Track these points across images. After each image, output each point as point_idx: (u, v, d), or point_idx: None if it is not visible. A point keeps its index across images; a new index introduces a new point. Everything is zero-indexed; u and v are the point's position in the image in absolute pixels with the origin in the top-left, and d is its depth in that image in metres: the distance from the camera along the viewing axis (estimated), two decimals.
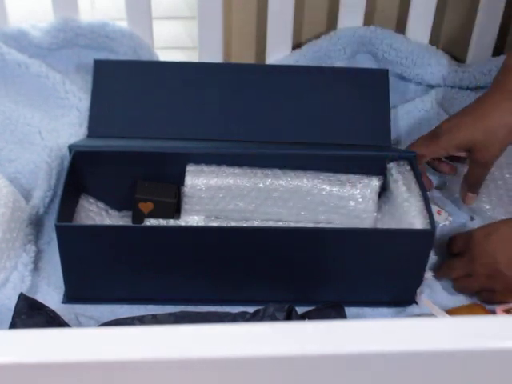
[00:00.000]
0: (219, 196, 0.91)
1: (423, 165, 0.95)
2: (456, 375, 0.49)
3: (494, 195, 0.98)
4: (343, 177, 0.92)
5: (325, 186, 0.91)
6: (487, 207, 0.98)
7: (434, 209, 0.96)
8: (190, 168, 0.91)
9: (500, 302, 0.86)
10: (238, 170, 0.92)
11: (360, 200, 0.91)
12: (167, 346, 0.47)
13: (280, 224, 0.93)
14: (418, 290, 0.87)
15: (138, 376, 0.48)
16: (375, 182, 0.92)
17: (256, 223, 0.93)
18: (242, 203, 0.92)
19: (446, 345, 0.47)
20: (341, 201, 0.92)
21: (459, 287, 0.89)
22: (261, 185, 0.91)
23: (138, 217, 0.91)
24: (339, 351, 0.47)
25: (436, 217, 0.94)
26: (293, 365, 0.48)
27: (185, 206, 0.92)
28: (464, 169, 0.96)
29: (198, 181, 0.91)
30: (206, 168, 0.91)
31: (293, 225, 0.93)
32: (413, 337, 0.47)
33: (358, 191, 0.91)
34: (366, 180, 0.92)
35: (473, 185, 0.93)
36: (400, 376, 0.49)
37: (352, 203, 0.92)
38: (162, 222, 0.91)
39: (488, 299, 0.87)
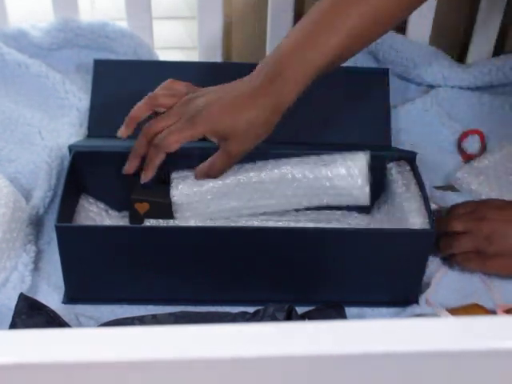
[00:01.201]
0: (207, 198, 0.90)
1: None
2: (456, 376, 0.49)
3: (506, 189, 0.98)
4: (328, 158, 0.90)
5: (309, 171, 0.89)
6: None
7: (433, 207, 0.96)
8: (175, 175, 0.90)
9: (475, 266, 0.89)
10: None
11: (348, 178, 0.89)
12: (168, 346, 0.47)
13: (276, 217, 0.92)
14: (422, 289, 0.87)
15: (138, 376, 0.48)
16: (361, 156, 0.89)
17: (256, 223, 0.93)
18: (231, 201, 0.90)
19: (447, 345, 0.47)
20: (328, 182, 0.89)
21: (446, 245, 0.90)
22: (243, 179, 0.89)
23: (135, 217, 0.91)
24: (339, 351, 0.47)
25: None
26: (293, 365, 0.48)
27: (176, 215, 0.90)
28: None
29: (184, 188, 0.89)
30: (189, 173, 0.90)
31: (293, 224, 0.93)
32: (413, 337, 0.47)
33: (344, 169, 0.89)
34: (350, 157, 0.89)
35: (212, 174, 0.87)
36: (400, 376, 0.49)
37: (339, 182, 0.89)
38: (162, 223, 0.91)
39: (465, 261, 0.89)
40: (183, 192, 0.89)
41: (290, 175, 0.89)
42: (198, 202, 0.90)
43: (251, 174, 0.89)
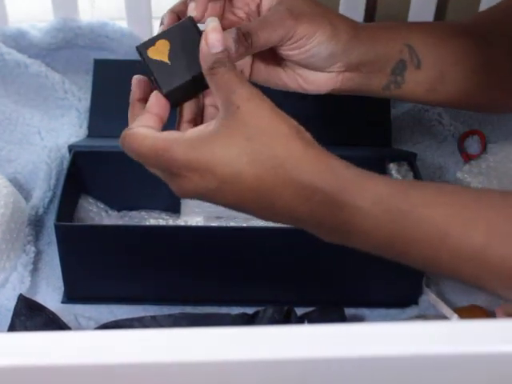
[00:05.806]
0: None
1: None
2: (455, 379, 0.49)
3: (507, 185, 0.98)
4: None
5: None
6: None
7: None
8: None
9: None
10: None
11: None
12: (167, 349, 0.47)
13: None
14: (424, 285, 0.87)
15: (137, 379, 0.48)
16: None
17: (255, 223, 0.93)
18: None
19: (446, 348, 0.47)
20: None
21: None
22: None
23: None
24: (339, 354, 0.47)
25: None
26: (292, 368, 0.48)
27: (184, 209, 0.91)
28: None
29: None
30: None
31: None
32: (412, 340, 0.47)
33: None
34: None
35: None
36: (400, 379, 0.49)
37: None
38: (162, 222, 0.91)
39: None
40: None
41: None
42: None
43: None
